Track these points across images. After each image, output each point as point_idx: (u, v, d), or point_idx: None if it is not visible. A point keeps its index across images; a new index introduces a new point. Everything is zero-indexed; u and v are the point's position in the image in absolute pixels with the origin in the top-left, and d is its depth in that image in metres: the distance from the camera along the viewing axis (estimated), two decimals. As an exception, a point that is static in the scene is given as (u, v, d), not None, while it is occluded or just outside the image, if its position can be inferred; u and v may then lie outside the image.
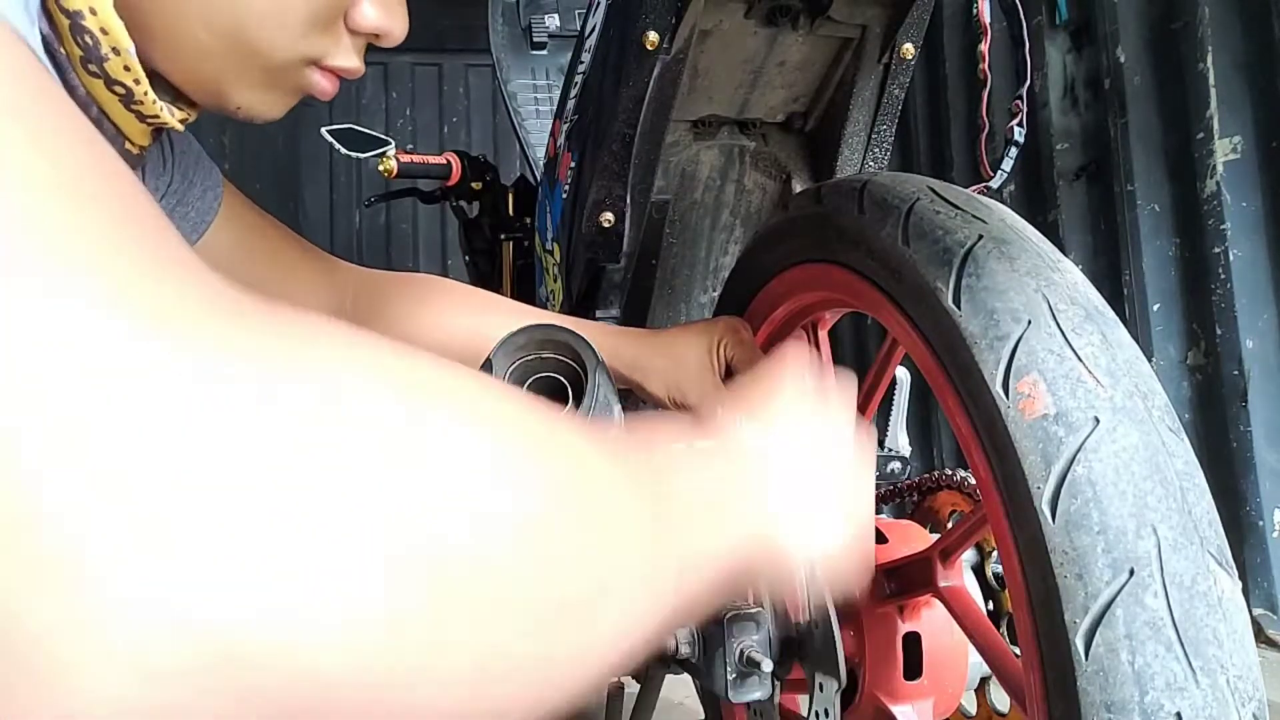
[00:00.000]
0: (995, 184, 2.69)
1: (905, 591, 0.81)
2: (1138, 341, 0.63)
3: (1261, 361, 2.12)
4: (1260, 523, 2.08)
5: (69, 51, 0.53)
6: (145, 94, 0.57)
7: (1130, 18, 2.34)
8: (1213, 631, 0.53)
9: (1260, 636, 1.99)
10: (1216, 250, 2.17)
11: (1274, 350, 2.13)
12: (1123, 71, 2.34)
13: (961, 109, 2.70)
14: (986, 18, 2.37)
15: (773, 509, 0.54)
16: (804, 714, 0.85)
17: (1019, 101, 2.41)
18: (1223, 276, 2.16)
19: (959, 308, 0.64)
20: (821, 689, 0.80)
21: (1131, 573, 0.53)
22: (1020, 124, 2.42)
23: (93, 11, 0.51)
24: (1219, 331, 2.17)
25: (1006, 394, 0.59)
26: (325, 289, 0.99)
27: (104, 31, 0.52)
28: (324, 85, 0.67)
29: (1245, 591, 1.43)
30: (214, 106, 0.65)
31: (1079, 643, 0.54)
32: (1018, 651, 0.64)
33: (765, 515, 0.54)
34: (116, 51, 0.53)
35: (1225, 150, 2.16)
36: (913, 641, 0.82)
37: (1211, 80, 2.17)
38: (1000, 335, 0.61)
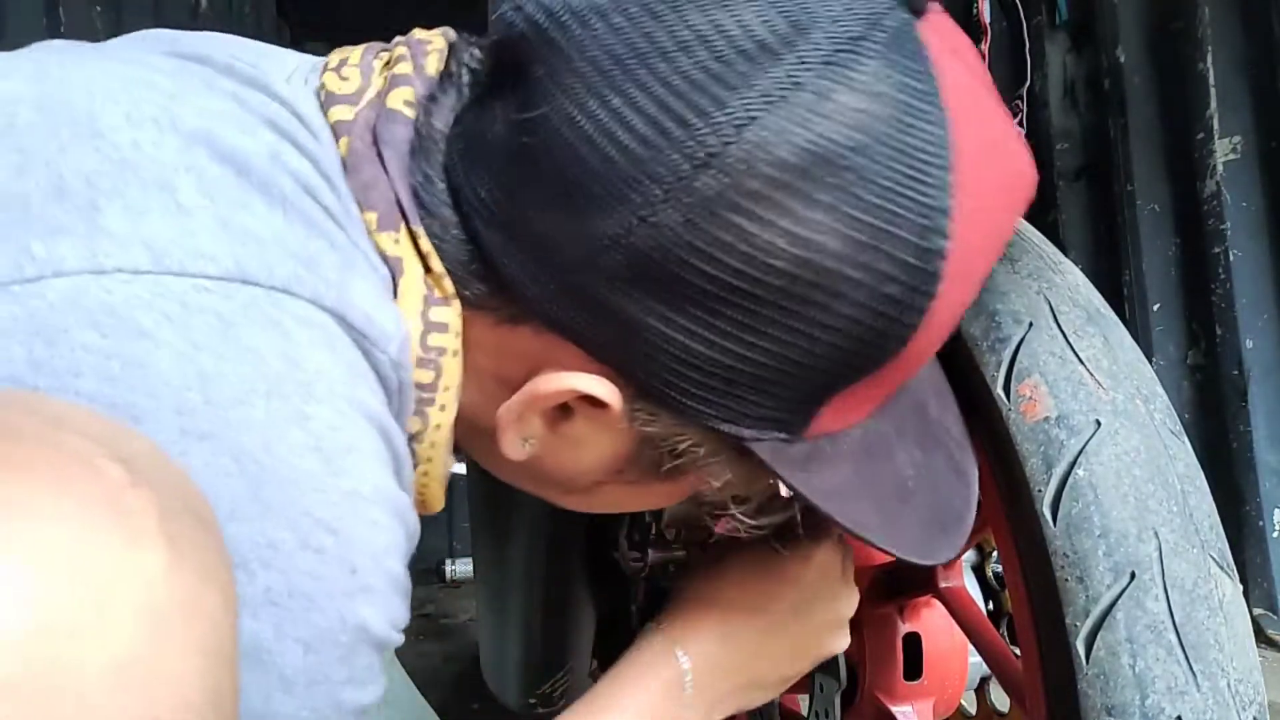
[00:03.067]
0: (995, 184, 2.66)
1: (905, 592, 0.81)
2: (1138, 341, 0.63)
3: (1261, 361, 2.12)
4: (1260, 523, 2.08)
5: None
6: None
7: (1130, 18, 2.34)
8: (1214, 635, 0.53)
9: (1260, 636, 1.99)
10: (1216, 250, 2.17)
11: (1274, 350, 2.13)
12: (1123, 71, 2.33)
13: (962, 108, 2.70)
14: (986, 18, 2.36)
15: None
16: (804, 714, 0.85)
17: (1019, 101, 2.41)
18: (1223, 276, 2.16)
19: (960, 309, 0.64)
20: (822, 689, 0.80)
21: (1133, 576, 0.53)
22: (1020, 124, 2.42)
23: (421, 501, 0.56)
24: (1219, 331, 2.17)
25: (1008, 396, 0.59)
26: None
27: (422, 503, 0.56)
28: None
29: (1245, 591, 1.43)
30: None
31: (1080, 646, 0.54)
32: (1018, 651, 0.64)
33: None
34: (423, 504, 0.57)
35: (1225, 150, 2.16)
36: (913, 642, 0.82)
37: (1211, 80, 2.17)
38: (1002, 337, 0.61)
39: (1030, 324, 0.61)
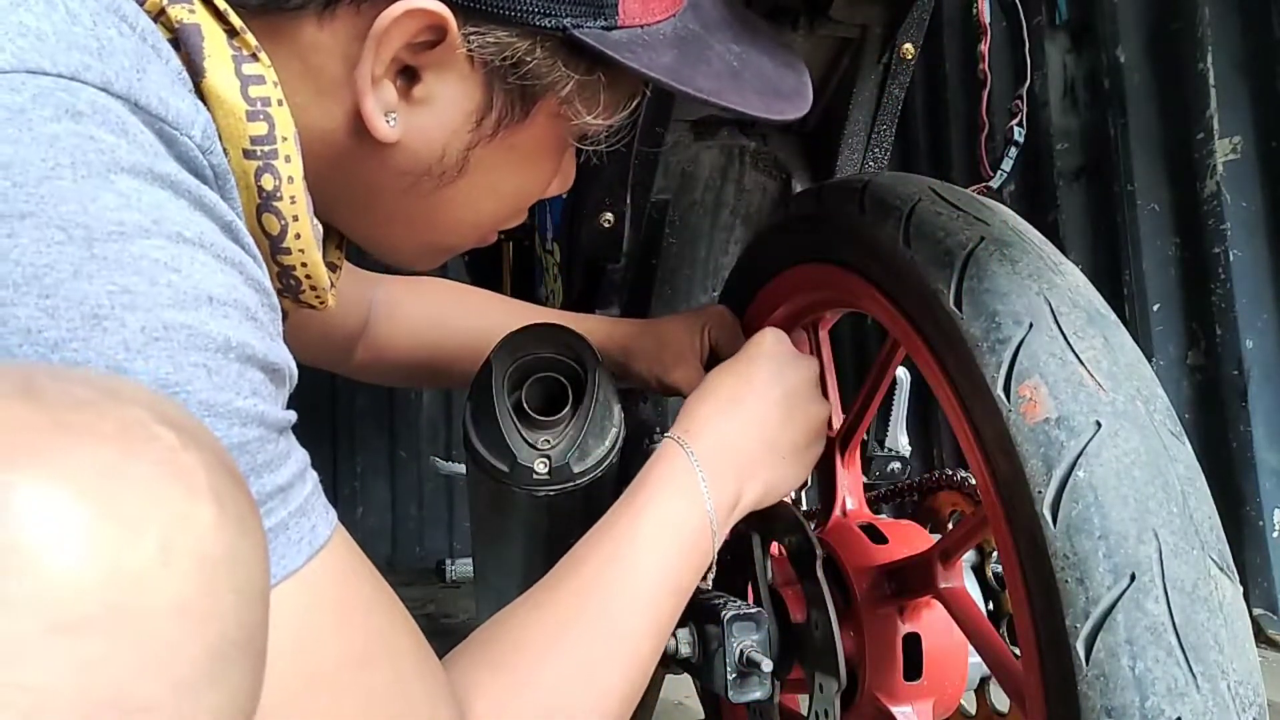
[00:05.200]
0: (995, 183, 2.69)
1: (905, 592, 0.81)
2: (1138, 342, 0.63)
3: (1261, 361, 2.12)
4: (1260, 522, 2.08)
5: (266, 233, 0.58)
6: (319, 302, 0.64)
7: (1130, 18, 2.34)
8: (1214, 636, 0.53)
9: (1260, 636, 1.99)
10: (1216, 250, 2.17)
11: (1274, 350, 2.13)
12: (1123, 71, 2.33)
13: (961, 109, 2.69)
14: (986, 18, 2.36)
15: (706, 500, 0.72)
16: (804, 714, 0.85)
17: (1019, 101, 2.41)
18: (1223, 276, 2.16)
19: (960, 310, 0.64)
20: (821, 689, 0.80)
21: (1133, 577, 0.53)
22: (1020, 124, 2.42)
23: (304, 265, 0.59)
24: (1219, 331, 2.17)
25: (1008, 397, 0.59)
26: (356, 303, 1.02)
27: (308, 276, 0.60)
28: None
29: (1245, 592, 1.43)
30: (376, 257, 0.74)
31: (1080, 647, 0.54)
32: (1018, 652, 0.64)
33: (702, 511, 0.72)
34: (314, 289, 0.62)
35: (1225, 150, 2.16)
36: (913, 642, 0.82)
37: (1211, 80, 2.17)
38: (1002, 338, 0.61)
39: (1030, 325, 0.61)
